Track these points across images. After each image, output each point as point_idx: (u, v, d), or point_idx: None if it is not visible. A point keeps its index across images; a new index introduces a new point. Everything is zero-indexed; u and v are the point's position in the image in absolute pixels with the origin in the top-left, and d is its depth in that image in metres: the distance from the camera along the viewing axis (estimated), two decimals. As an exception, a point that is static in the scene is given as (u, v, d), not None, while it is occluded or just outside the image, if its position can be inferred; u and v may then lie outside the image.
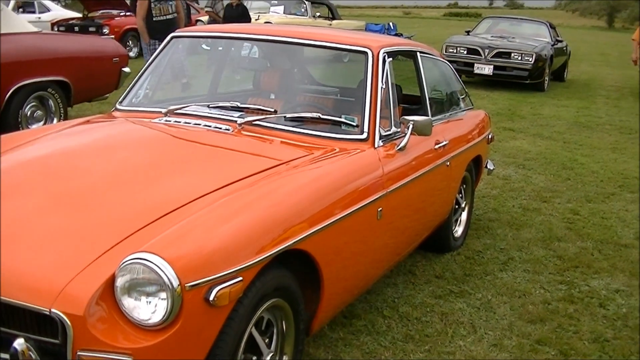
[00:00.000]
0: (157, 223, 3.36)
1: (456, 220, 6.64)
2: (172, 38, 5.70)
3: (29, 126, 9.23)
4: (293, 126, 4.75)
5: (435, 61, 6.47)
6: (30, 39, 9.72)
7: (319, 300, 3.95)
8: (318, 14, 23.66)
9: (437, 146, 5.50)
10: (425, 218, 5.67)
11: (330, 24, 23.54)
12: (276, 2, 23.75)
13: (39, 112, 9.49)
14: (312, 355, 4.42)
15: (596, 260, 6.65)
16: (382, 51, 5.05)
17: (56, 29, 20.11)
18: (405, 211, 5.07)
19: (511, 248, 6.80)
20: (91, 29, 20.71)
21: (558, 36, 21.09)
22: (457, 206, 6.55)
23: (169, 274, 2.93)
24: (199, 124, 4.72)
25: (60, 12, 25.08)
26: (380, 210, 4.45)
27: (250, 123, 4.69)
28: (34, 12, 24.34)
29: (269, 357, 3.65)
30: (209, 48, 7.75)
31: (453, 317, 5.24)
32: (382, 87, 4.85)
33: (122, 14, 21.67)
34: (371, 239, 4.50)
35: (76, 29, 20.38)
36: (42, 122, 9.49)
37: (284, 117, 4.82)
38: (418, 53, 5.88)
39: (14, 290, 3.09)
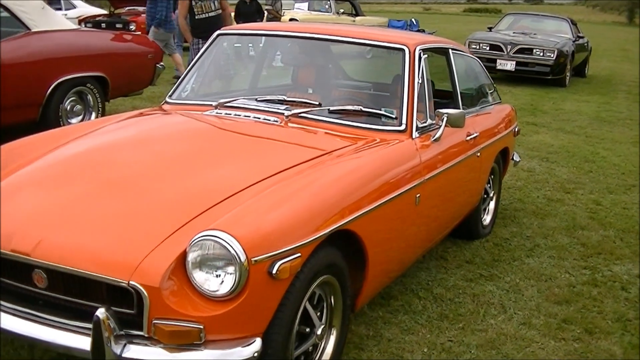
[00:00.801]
0: (220, 205, 3.70)
1: (485, 209, 6.97)
2: (218, 35, 6.04)
3: (69, 120, 9.57)
4: (336, 118, 5.07)
5: (465, 57, 6.78)
6: (70, 35, 10.05)
7: (364, 279, 4.29)
8: (342, 10, 23.96)
9: (468, 138, 5.81)
10: (458, 205, 6.00)
11: (354, 21, 23.87)
12: (300, -2, 24.04)
13: (78, 107, 9.83)
14: (355, 332, 4.73)
15: (618, 247, 6.95)
16: (417, 48, 5.38)
17: (83, 26, 20.44)
18: (440, 198, 5.40)
19: (537, 236, 7.12)
20: (118, 25, 20.99)
21: (579, 32, 21.31)
22: (485, 195, 6.88)
23: (238, 250, 3.28)
24: (249, 116, 5.07)
25: (86, 9, 25.40)
26: (418, 196, 4.78)
27: (296, 115, 5.02)
28: (60, 9, 24.64)
29: (320, 330, 3.99)
30: (240, 45, 8.02)
31: (484, 298, 5.57)
32: (418, 82, 5.17)
33: (148, 10, 21.94)
34: (409, 223, 4.84)
35: (103, 25, 20.69)
36: (81, 116, 9.83)
37: (328, 109, 5.15)
38: (450, 50, 6.20)
39: (93, 265, 3.43)
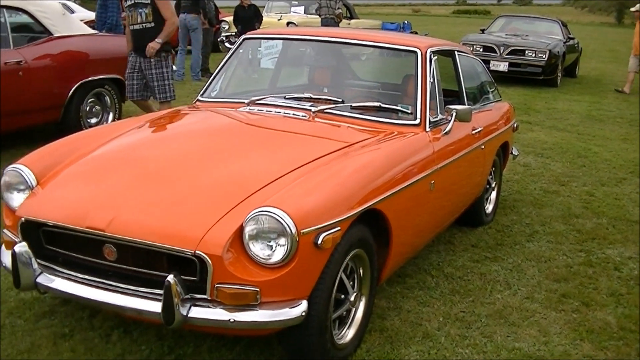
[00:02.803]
0: (266, 188, 4.25)
1: (487, 198, 7.57)
2: (244, 39, 6.61)
3: (88, 120, 10.11)
4: (357, 114, 5.65)
5: (469, 58, 7.36)
6: (89, 40, 10.57)
7: (387, 254, 4.87)
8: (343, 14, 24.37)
9: (473, 132, 6.39)
10: (465, 193, 6.60)
11: (349, 24, 24.31)
12: (296, 2, 24.44)
13: (97, 107, 10.39)
14: (377, 305, 5.28)
15: (610, 233, 7.56)
16: (428, 50, 5.96)
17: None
18: (451, 186, 5.99)
19: (535, 223, 7.72)
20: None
21: (570, 34, 21.88)
22: (488, 186, 7.48)
23: (289, 223, 3.84)
24: (279, 112, 5.63)
25: (85, 14, 25.75)
26: (433, 183, 5.36)
27: (322, 111, 5.59)
28: (60, 13, 24.93)
29: (352, 297, 4.58)
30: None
31: (490, 276, 6.16)
32: (430, 81, 5.75)
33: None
34: (425, 207, 5.43)
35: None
36: (99, 117, 10.36)
37: (350, 105, 5.72)
38: (455, 52, 6.79)
39: (162, 238, 3.97)
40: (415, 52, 5.92)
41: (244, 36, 6.71)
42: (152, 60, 9.37)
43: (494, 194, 7.74)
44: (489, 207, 7.62)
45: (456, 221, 6.91)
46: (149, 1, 9.23)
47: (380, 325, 5.12)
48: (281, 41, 7.05)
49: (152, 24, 9.32)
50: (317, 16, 20.50)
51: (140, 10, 9.32)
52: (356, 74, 7.37)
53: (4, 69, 8.81)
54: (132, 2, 9.32)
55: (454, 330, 5.14)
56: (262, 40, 6.84)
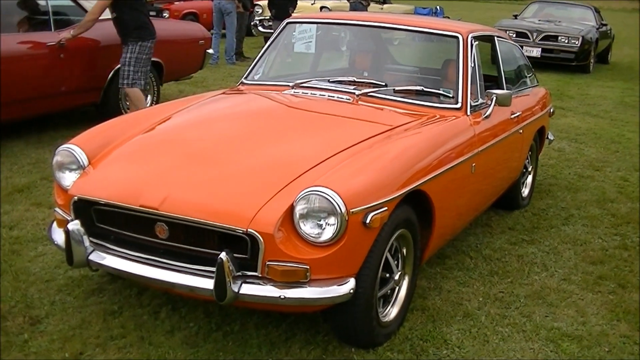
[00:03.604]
0: (315, 169, 4.36)
1: (523, 182, 7.66)
2: (287, 23, 6.73)
3: (127, 103, 10.22)
4: (400, 97, 5.76)
5: (507, 44, 7.44)
6: (129, 23, 10.68)
7: (430, 235, 4.98)
8: (372, -2, 24.37)
9: (512, 116, 6.48)
10: (504, 176, 6.70)
11: (382, 8, 24.37)
12: (330, -14, 24.38)
13: (136, 90, 10.46)
14: (418, 285, 5.36)
15: (645, 218, 7.64)
16: (470, 36, 6.05)
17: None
18: (491, 169, 6.09)
19: (570, 207, 7.81)
20: (152, 13, 21.49)
21: (602, 20, 21.85)
22: (524, 170, 7.56)
23: (339, 202, 3.96)
24: (323, 95, 5.75)
25: None
26: (474, 165, 5.46)
27: (365, 94, 5.70)
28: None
29: (397, 276, 4.70)
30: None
31: (527, 258, 6.27)
32: (471, 66, 5.84)
33: (179, -2, 22.51)
34: (467, 189, 5.54)
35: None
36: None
37: (393, 89, 5.83)
38: (495, 37, 6.87)
39: (214, 216, 4.09)
40: (457, 37, 6.01)
41: (286, 20, 6.81)
42: (124, 46, 9.35)
43: (530, 178, 7.83)
44: (525, 191, 7.72)
45: (493, 204, 7.00)
46: None
47: (421, 304, 5.23)
48: (315, 25, 7.16)
49: (115, 14, 9.39)
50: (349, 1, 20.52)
51: None
52: (394, 58, 7.46)
53: (45, 51, 8.98)
54: None
55: (493, 310, 5.25)
56: (297, 25, 6.90)
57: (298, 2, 19.53)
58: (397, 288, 4.79)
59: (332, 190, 3.99)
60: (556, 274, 5.99)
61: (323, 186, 4.02)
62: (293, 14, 16.32)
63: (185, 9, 22.16)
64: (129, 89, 9.33)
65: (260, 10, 21.81)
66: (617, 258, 6.42)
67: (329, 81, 6.02)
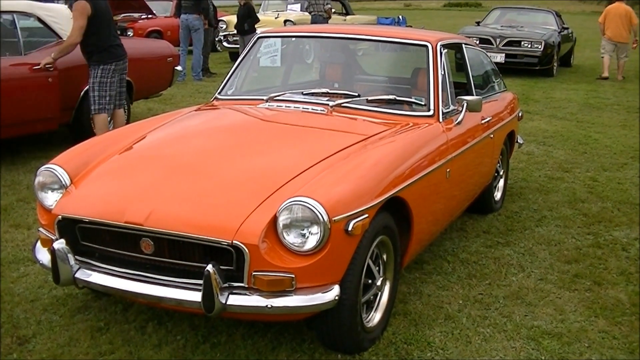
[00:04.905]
0: (295, 180, 4.44)
1: (495, 186, 7.80)
2: (258, 38, 6.82)
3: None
4: (373, 107, 5.86)
5: (475, 51, 7.58)
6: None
7: (409, 240, 5.08)
8: (333, 10, 24.42)
9: (483, 121, 6.61)
10: (477, 180, 6.82)
11: (345, 20, 24.47)
12: (293, 0, 24.43)
13: (106, 109, 10.47)
14: (398, 290, 5.41)
15: (616, 216, 7.80)
16: (439, 44, 6.17)
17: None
18: (464, 174, 6.21)
19: (542, 209, 7.96)
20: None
21: (564, 24, 22.10)
22: (496, 174, 7.70)
23: (321, 211, 4.05)
24: (298, 107, 5.83)
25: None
26: (448, 171, 5.58)
27: (339, 105, 5.79)
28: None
29: (379, 281, 4.80)
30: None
31: (503, 260, 6.39)
32: (441, 74, 5.96)
33: (143, 16, 22.42)
34: (442, 194, 5.65)
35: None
36: (109, 118, 10.48)
37: (366, 99, 5.92)
38: (463, 44, 7.00)
39: (199, 230, 4.16)
40: (426, 45, 6.12)
41: (258, 35, 6.90)
42: (90, 69, 9.13)
43: (502, 182, 7.97)
44: (498, 195, 7.86)
45: (467, 209, 7.12)
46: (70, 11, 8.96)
47: (403, 309, 5.33)
48: (279, 39, 7.25)
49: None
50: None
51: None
52: (362, 68, 7.57)
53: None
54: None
55: (474, 312, 5.36)
56: (263, 39, 6.96)
57: (262, 16, 19.67)
58: (380, 293, 4.88)
59: (314, 199, 4.08)
60: (533, 274, 6.11)
61: (305, 196, 4.11)
62: (259, 28, 16.50)
63: (149, 27, 22.11)
64: (96, 115, 9.16)
65: (224, 26, 21.89)
66: (592, 256, 6.56)
67: (302, 93, 6.10)
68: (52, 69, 9.18)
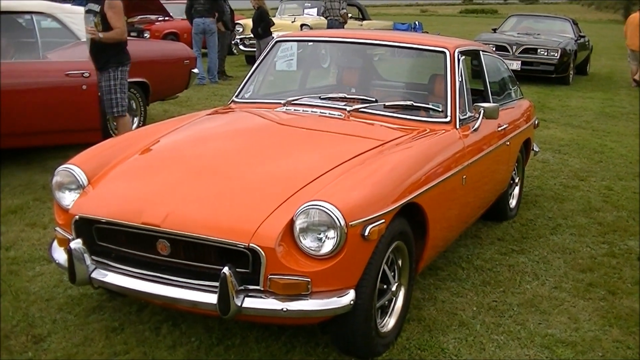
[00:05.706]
0: (312, 184, 4.46)
1: (511, 193, 7.79)
2: (276, 42, 6.84)
3: (115, 123, 10.26)
4: (390, 112, 5.87)
5: (492, 58, 7.58)
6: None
7: (424, 246, 5.09)
8: (350, 15, 24.43)
9: (499, 129, 6.61)
10: (493, 187, 6.83)
11: (361, 25, 24.46)
12: (309, 4, 24.47)
13: (123, 111, 10.50)
14: (412, 296, 5.42)
15: (631, 226, 7.78)
16: (456, 51, 6.17)
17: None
18: (480, 180, 6.22)
19: (557, 217, 7.95)
20: (133, 33, 21.49)
21: (580, 32, 22.07)
22: (512, 181, 7.70)
23: (338, 216, 4.06)
24: (315, 112, 5.85)
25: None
26: (464, 177, 5.58)
27: (356, 110, 5.81)
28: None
29: (394, 287, 4.81)
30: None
31: (518, 268, 6.39)
32: (458, 80, 5.96)
33: (160, 18, 22.53)
34: (458, 201, 5.66)
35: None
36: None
37: (383, 105, 5.94)
38: (480, 51, 7.00)
39: (216, 232, 4.18)
40: (444, 52, 6.13)
41: (275, 39, 6.92)
42: (103, 72, 8.97)
43: (517, 189, 7.96)
44: (513, 202, 7.85)
45: (482, 216, 7.12)
46: (97, 9, 8.74)
47: (417, 315, 5.34)
48: (296, 43, 7.29)
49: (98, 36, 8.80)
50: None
51: (90, 18, 8.84)
52: (379, 74, 7.58)
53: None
54: (86, 8, 8.92)
55: (488, 319, 5.36)
56: (281, 44, 6.99)
57: (278, 20, 19.70)
58: (394, 299, 4.89)
59: (331, 204, 4.09)
60: (547, 282, 6.11)
61: (322, 200, 4.12)
62: (275, 32, 16.54)
63: (166, 29, 22.19)
64: (120, 117, 9.18)
65: (241, 29, 21.93)
66: (606, 265, 6.55)
67: (319, 98, 6.12)
68: (87, 75, 9.06)
